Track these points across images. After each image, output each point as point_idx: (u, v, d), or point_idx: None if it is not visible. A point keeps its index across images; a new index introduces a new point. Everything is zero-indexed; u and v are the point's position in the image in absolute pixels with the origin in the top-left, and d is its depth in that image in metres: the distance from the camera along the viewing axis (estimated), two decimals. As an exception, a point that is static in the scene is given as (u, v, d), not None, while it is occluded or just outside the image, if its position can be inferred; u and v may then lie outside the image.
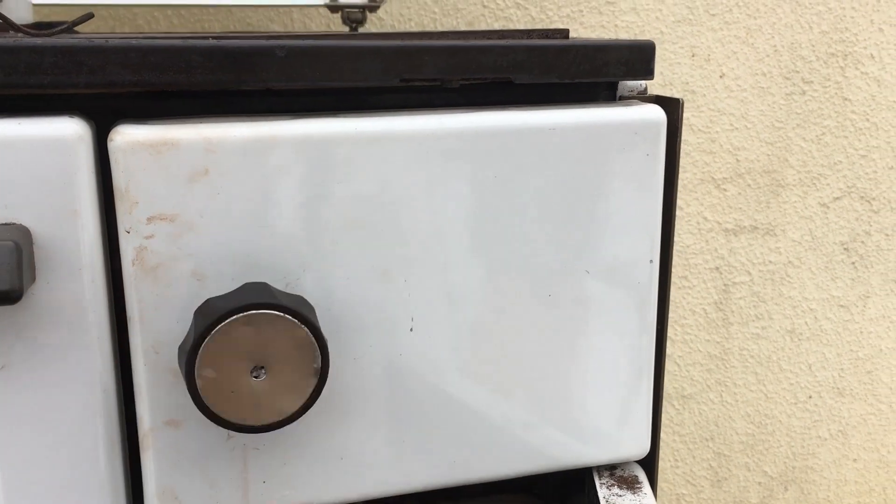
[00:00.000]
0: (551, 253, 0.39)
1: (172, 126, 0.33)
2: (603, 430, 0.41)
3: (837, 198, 1.16)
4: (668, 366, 1.15)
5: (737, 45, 1.08)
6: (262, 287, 0.33)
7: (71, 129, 0.31)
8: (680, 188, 1.10)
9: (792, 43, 1.10)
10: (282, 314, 0.32)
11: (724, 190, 1.12)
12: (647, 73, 0.42)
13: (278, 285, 0.34)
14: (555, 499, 0.45)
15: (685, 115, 1.09)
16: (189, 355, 0.31)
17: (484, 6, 1.02)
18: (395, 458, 0.39)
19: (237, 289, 0.33)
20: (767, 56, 1.09)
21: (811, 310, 1.19)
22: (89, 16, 0.40)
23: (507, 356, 0.39)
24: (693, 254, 1.13)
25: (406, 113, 0.37)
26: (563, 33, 0.45)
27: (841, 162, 1.15)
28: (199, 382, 0.31)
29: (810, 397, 1.22)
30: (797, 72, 1.11)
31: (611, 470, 0.41)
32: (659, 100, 0.43)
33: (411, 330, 0.37)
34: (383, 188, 0.36)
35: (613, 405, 0.41)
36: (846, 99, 1.13)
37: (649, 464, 0.42)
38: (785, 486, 1.24)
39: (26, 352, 0.32)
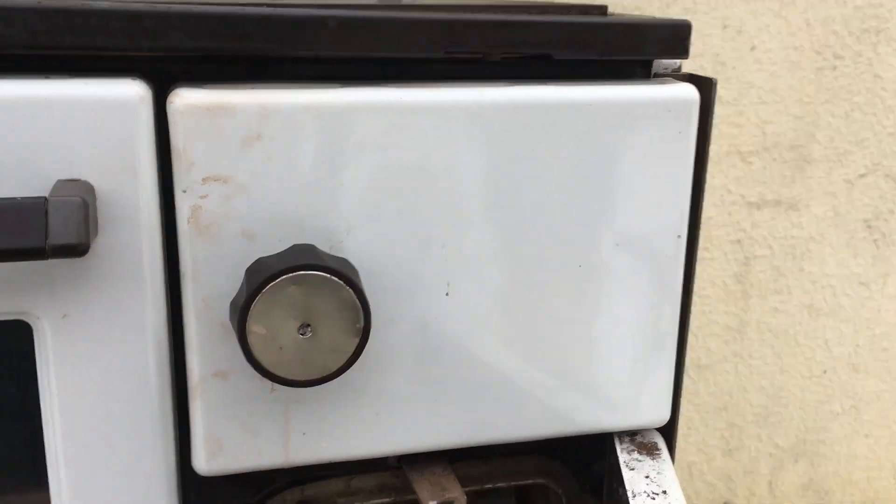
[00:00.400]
0: (583, 224, 0.41)
1: (228, 91, 0.34)
2: (625, 398, 0.43)
3: (863, 175, 1.16)
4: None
5: (769, 17, 1.07)
6: (310, 249, 0.34)
7: (133, 91, 0.33)
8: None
9: (825, 17, 1.09)
10: (328, 276, 0.33)
11: (750, 163, 1.12)
12: (683, 52, 0.43)
13: (323, 247, 0.36)
14: (578, 462, 0.46)
15: (714, 87, 1.09)
16: (241, 311, 0.33)
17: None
18: (427, 416, 0.40)
19: (286, 250, 0.34)
20: (800, 30, 1.09)
21: (830, 286, 1.19)
22: None
23: (536, 323, 0.41)
24: (715, 226, 1.14)
25: (449, 84, 0.38)
26: (602, 9, 0.45)
27: (868, 139, 1.15)
28: (249, 337, 0.33)
29: (825, 372, 1.23)
30: (829, 47, 1.10)
31: (631, 436, 0.43)
32: (693, 78, 0.44)
33: (447, 295, 0.39)
34: (426, 157, 0.37)
35: (636, 374, 0.43)
36: (877, 76, 1.13)
37: (668, 432, 0.44)
38: (795, 458, 1.26)
39: (86, 302, 0.34)
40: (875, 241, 1.19)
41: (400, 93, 0.36)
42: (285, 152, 0.35)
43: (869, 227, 1.18)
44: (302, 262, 0.33)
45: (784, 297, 1.19)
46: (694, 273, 0.50)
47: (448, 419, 0.41)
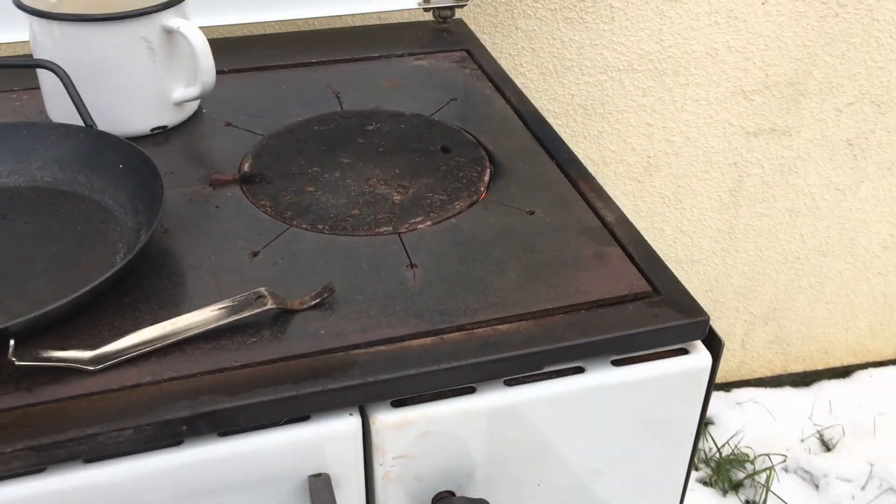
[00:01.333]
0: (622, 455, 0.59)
1: (407, 410, 0.52)
2: (655, 500, 0.64)
3: (850, 103, 1.29)
4: (682, 238, 1.37)
5: (783, -25, 1.15)
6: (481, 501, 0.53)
7: (355, 424, 0.50)
8: (712, 100, 1.23)
9: (835, -28, 1.16)
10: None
11: (752, 100, 1.25)
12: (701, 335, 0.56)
13: (458, 488, 0.55)
14: None
15: (724, 37, 1.19)
16: None
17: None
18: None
19: (460, 497, 0.54)
20: (810, -16, 1.16)
21: (811, 193, 1.37)
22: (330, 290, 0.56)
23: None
24: (716, 153, 1.29)
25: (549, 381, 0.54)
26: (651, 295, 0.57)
27: (860, 73, 1.27)
28: None
29: (798, 258, 1.45)
30: (835, -3, 1.18)
31: None
32: (711, 336, 0.58)
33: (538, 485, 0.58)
34: (543, 432, 0.55)
35: (659, 493, 0.64)
36: (874, 19, 1.22)
37: None
38: (766, 321, 1.52)
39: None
40: (854, 155, 1.35)
41: (525, 391, 0.53)
42: (443, 439, 0.53)
43: (850, 144, 1.34)
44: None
45: (770, 204, 1.37)
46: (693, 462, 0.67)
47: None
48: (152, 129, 0.73)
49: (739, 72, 1.22)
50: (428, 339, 0.53)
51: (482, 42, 0.94)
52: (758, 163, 1.32)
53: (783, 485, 1.39)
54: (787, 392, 1.55)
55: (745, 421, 1.47)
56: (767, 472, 1.38)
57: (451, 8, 0.94)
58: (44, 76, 0.71)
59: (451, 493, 0.56)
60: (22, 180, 0.65)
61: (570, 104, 1.18)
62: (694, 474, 1.42)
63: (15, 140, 0.66)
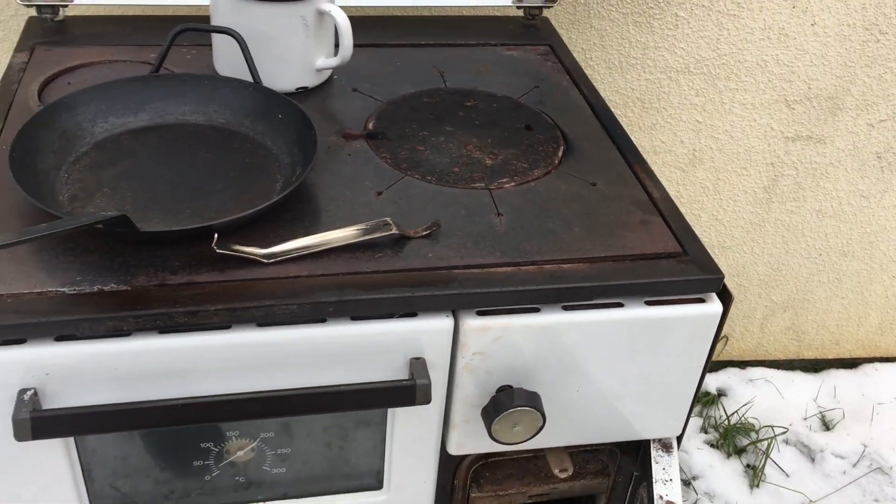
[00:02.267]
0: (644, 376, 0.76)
1: (488, 318, 0.69)
2: (659, 420, 0.81)
3: (882, 120, 1.44)
4: (716, 226, 1.53)
5: (831, 1, 1.29)
6: (534, 394, 0.72)
7: (449, 323, 0.69)
8: (757, 106, 1.39)
9: (878, 2, 1.30)
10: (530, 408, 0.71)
11: (793, 108, 1.40)
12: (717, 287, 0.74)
13: (516, 384, 0.73)
14: (625, 453, 0.86)
15: (774, 51, 1.34)
16: (489, 416, 0.72)
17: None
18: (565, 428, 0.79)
19: (518, 388, 0.72)
20: (856, 11, 1.31)
21: (838, 197, 1.52)
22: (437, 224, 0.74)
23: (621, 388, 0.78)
24: (756, 153, 1.44)
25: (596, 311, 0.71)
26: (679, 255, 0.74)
27: (894, 94, 1.41)
28: (493, 432, 0.72)
29: (820, 255, 1.60)
30: (877, 24, 1.33)
31: (659, 440, 0.83)
32: (724, 291, 0.75)
33: (577, 391, 0.75)
34: (586, 349, 0.72)
35: (670, 411, 0.81)
36: (913, 48, 1.36)
37: (679, 438, 0.83)
38: (784, 309, 1.67)
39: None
40: (882, 167, 1.49)
41: (570, 315, 0.71)
42: (512, 341, 0.71)
43: (879, 157, 1.48)
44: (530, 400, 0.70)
45: (799, 203, 1.52)
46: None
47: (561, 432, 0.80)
48: (297, 89, 0.91)
49: (784, 83, 1.37)
50: (508, 269, 0.71)
51: (562, 38, 1.11)
52: (792, 165, 1.47)
53: (782, 454, 1.56)
54: (797, 375, 1.71)
55: (755, 395, 1.64)
56: (769, 441, 1.55)
57: (540, 7, 1.11)
58: (218, 39, 0.90)
59: (511, 387, 0.74)
60: (201, 119, 0.84)
61: (629, 97, 1.35)
62: (702, 436, 1.60)
63: (197, 87, 0.84)
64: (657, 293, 0.73)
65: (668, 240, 0.76)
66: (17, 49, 0.95)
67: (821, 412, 1.64)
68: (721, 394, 1.67)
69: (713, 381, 1.70)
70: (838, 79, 1.38)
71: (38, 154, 0.73)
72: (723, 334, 1.71)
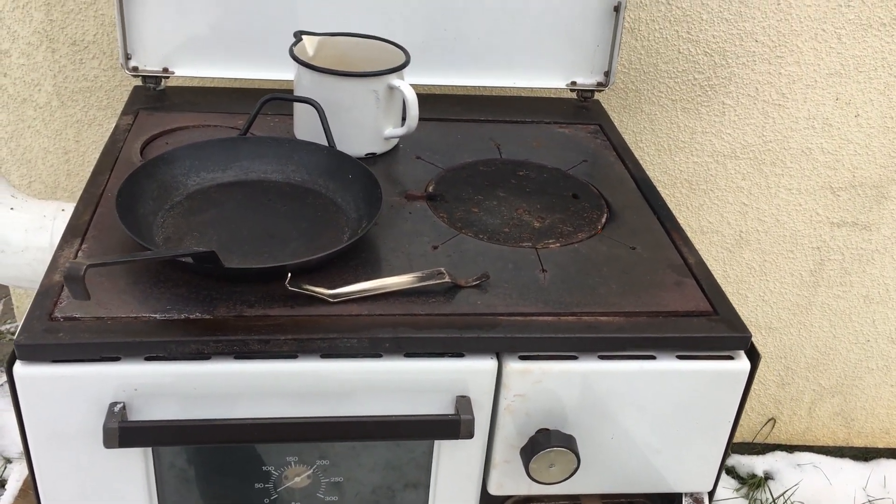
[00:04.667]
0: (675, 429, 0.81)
1: (529, 363, 0.76)
2: (694, 475, 0.85)
3: (929, 209, 1.47)
4: (763, 307, 1.56)
5: (874, 94, 1.36)
6: (570, 437, 0.77)
7: (493, 366, 0.75)
8: (802, 191, 1.44)
9: (921, 96, 1.36)
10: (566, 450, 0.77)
11: (838, 195, 1.45)
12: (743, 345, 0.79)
13: (554, 427, 0.79)
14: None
15: (819, 140, 1.40)
16: (527, 455, 0.77)
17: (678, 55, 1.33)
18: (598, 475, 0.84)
19: (555, 430, 0.77)
20: (898, 104, 1.37)
21: (885, 284, 1.55)
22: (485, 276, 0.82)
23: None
24: (802, 237, 1.49)
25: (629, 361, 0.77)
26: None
27: (939, 185, 1.45)
28: (531, 472, 0.77)
29: (868, 341, 1.61)
30: (920, 117, 1.38)
31: (691, 494, 0.87)
32: (752, 350, 0.80)
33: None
34: (619, 398, 0.78)
35: (701, 466, 0.85)
36: (956, 141, 1.41)
37: (711, 494, 0.87)
38: (833, 394, 1.68)
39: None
40: (929, 256, 1.52)
41: (606, 365, 0.77)
42: (549, 389, 0.77)
43: (926, 246, 1.51)
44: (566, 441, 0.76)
45: (846, 288, 1.55)
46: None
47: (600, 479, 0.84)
48: (366, 154, 1.01)
49: (829, 170, 1.42)
50: (549, 318, 0.78)
51: (612, 119, 1.20)
52: (839, 250, 1.51)
53: (829, 540, 1.55)
54: (847, 462, 1.71)
55: (802, 480, 1.64)
56: (815, 525, 1.54)
57: (592, 91, 1.20)
58: (299, 107, 1.01)
59: (548, 430, 0.80)
60: (280, 176, 0.94)
61: (678, 178, 1.42)
62: (748, 517, 1.60)
63: (279, 149, 0.95)
64: (688, 348, 0.79)
65: (699, 300, 0.82)
66: (124, 113, 1.07)
67: (870, 501, 1.63)
68: (768, 477, 1.67)
69: (760, 464, 1.71)
70: (883, 168, 1.43)
71: (140, 200, 0.84)
72: (770, 416, 1.72)
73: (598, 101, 1.23)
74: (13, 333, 1.90)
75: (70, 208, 1.02)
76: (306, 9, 1.11)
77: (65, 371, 0.70)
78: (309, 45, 1.02)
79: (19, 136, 1.30)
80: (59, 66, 1.25)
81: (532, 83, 1.19)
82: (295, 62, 0.98)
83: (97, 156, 1.31)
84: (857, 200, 1.46)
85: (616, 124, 1.19)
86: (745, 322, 0.80)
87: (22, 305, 1.47)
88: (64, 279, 0.65)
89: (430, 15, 1.14)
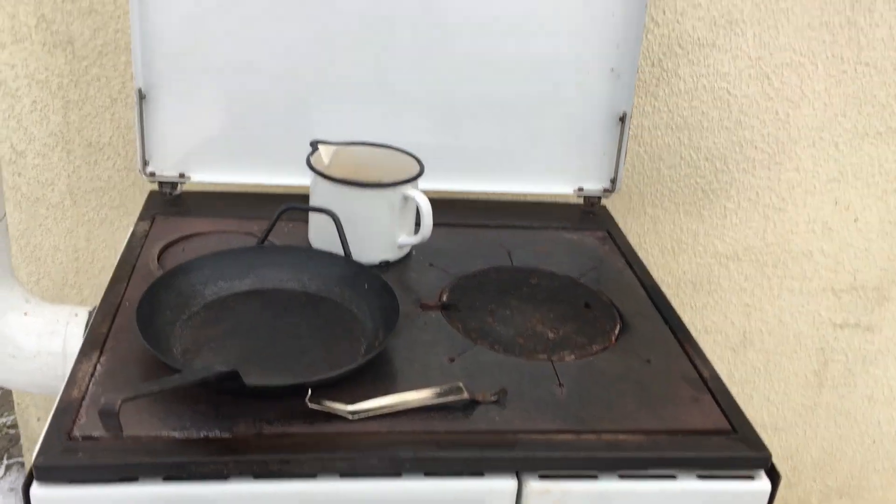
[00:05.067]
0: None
1: (549, 482, 0.76)
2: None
3: (929, 311, 1.49)
4: (768, 406, 1.56)
5: (872, 199, 1.39)
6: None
7: (513, 485, 0.75)
8: (805, 293, 1.46)
9: (918, 202, 1.39)
10: None
11: (840, 297, 1.47)
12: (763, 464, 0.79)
13: None
14: None
15: (819, 243, 1.42)
16: None
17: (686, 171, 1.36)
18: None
19: None
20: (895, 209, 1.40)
21: (889, 384, 1.55)
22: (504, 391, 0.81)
23: None
24: (805, 337, 1.50)
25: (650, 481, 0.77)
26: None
27: (939, 287, 1.47)
28: None
29: (874, 442, 1.61)
30: (918, 222, 1.41)
31: None
32: (772, 469, 0.80)
33: None
34: None
35: None
36: (954, 245, 1.43)
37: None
38: (840, 495, 1.67)
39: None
40: (931, 357, 1.53)
41: (626, 484, 0.77)
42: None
43: (928, 347, 1.52)
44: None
45: (851, 389, 1.55)
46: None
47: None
48: (380, 262, 1.02)
49: (830, 272, 1.44)
50: (569, 436, 0.78)
51: (617, 223, 1.22)
52: (842, 351, 1.52)
53: None
54: (856, 566, 1.67)
55: (812, 585, 1.60)
56: None
57: (598, 197, 1.22)
58: (315, 216, 1.02)
59: (569, 551, 0.79)
60: (296, 286, 0.95)
61: (681, 279, 1.44)
62: None
63: (295, 258, 0.96)
64: (708, 468, 0.78)
65: (717, 417, 0.82)
66: (140, 218, 1.09)
67: None
68: (776, 581, 1.64)
69: (768, 567, 1.67)
70: (883, 271, 1.45)
71: (158, 311, 0.84)
72: (777, 518, 1.70)
73: (604, 207, 1.25)
74: (9, 427, 1.87)
75: (83, 313, 1.02)
76: (320, 115, 1.14)
77: (83, 493, 0.69)
78: (325, 153, 1.04)
79: (30, 234, 1.31)
80: (73, 167, 1.27)
81: (540, 189, 1.22)
82: (311, 172, 1.00)
83: (107, 254, 1.33)
84: (859, 302, 1.47)
85: (620, 226, 1.21)
86: (762, 441, 0.80)
87: (22, 402, 1.46)
88: (99, 414, 0.65)
89: (442, 121, 1.17)
